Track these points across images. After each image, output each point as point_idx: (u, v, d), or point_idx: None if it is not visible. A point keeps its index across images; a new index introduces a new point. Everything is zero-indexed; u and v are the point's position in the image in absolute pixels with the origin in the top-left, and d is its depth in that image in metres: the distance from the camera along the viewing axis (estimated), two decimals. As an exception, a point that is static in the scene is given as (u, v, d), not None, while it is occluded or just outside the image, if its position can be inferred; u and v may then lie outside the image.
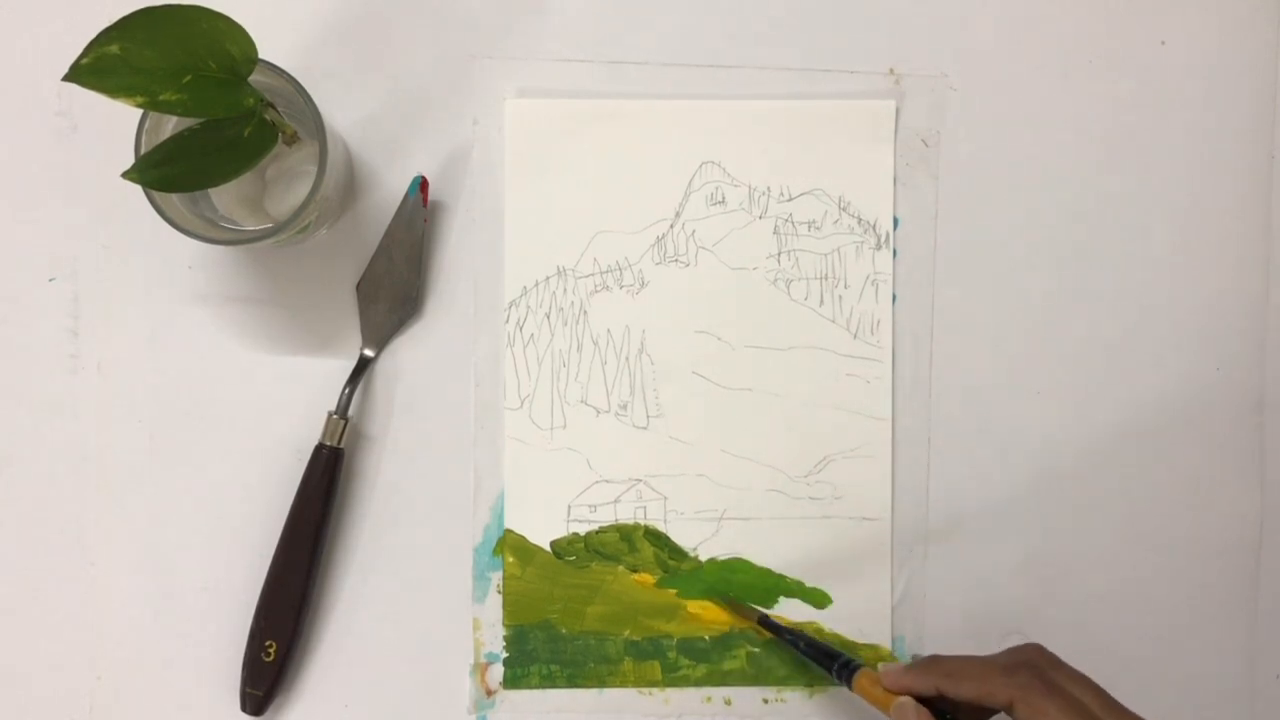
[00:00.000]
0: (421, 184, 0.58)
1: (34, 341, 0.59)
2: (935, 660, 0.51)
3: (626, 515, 0.59)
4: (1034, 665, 0.48)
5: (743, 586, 0.59)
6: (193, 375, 0.59)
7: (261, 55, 0.49)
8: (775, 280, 0.59)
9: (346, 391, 0.58)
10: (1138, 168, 0.60)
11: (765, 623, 0.58)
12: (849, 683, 0.53)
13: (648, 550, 0.59)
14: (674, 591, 0.59)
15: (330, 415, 0.57)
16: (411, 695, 0.59)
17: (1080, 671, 0.49)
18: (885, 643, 0.59)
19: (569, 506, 0.59)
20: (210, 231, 0.53)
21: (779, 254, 0.59)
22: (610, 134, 0.59)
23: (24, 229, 0.59)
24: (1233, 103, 0.60)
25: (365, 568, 0.59)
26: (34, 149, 0.59)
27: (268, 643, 0.57)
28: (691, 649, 0.59)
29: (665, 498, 0.59)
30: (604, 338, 0.59)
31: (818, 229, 0.59)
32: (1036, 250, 0.60)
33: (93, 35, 0.47)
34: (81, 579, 0.59)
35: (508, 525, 0.59)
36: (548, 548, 0.59)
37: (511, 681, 0.59)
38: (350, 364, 0.58)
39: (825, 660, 0.55)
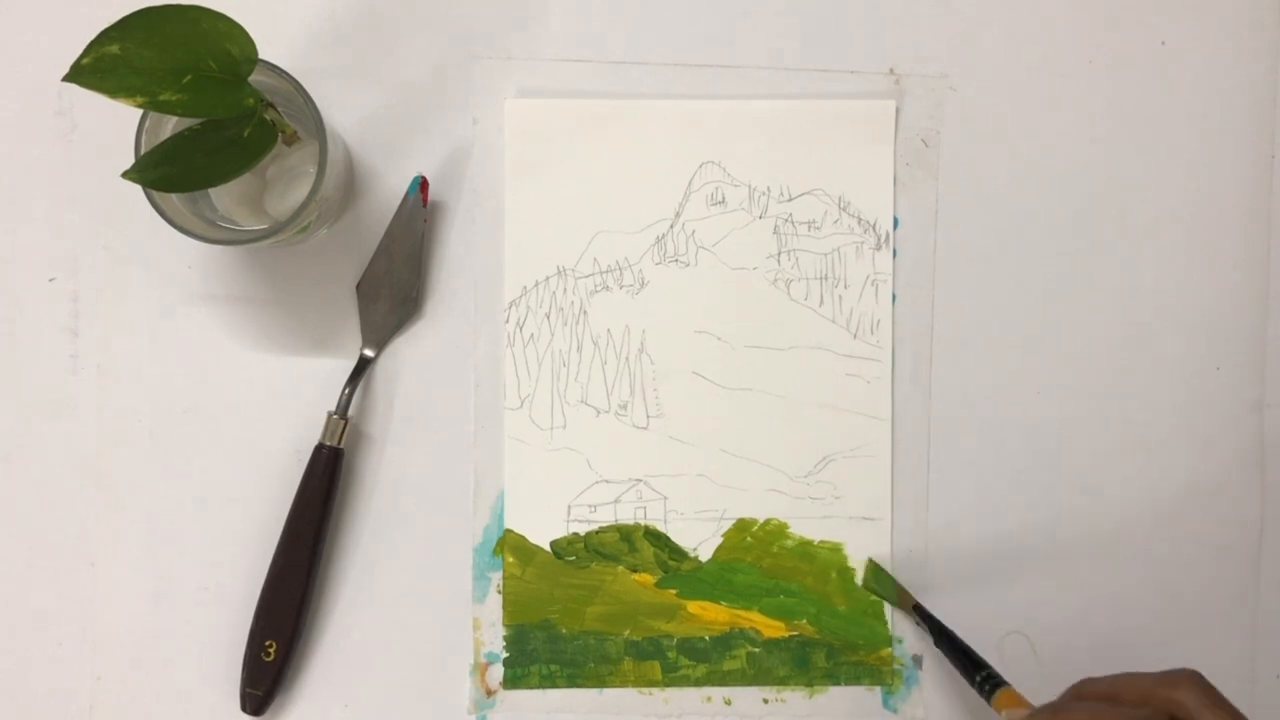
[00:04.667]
0: (421, 184, 0.58)
1: (34, 341, 0.59)
2: (1061, 709, 0.46)
3: (626, 515, 0.59)
4: (1195, 683, 0.44)
5: (743, 586, 0.59)
6: (193, 375, 0.59)
7: (261, 55, 0.49)
8: (775, 280, 0.59)
9: (346, 391, 0.58)
10: (1138, 168, 0.60)
11: (919, 610, 0.57)
12: (989, 698, 0.53)
13: (648, 550, 0.59)
14: (674, 591, 0.59)
15: (330, 415, 0.57)
16: (411, 695, 0.59)
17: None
18: (885, 644, 0.59)
19: (569, 506, 0.59)
20: (210, 231, 0.53)
21: (779, 254, 0.59)
22: (610, 134, 0.59)
23: (24, 229, 0.59)
24: (1233, 103, 0.60)
25: (365, 568, 0.59)
26: (34, 149, 0.59)
27: (268, 643, 0.57)
28: (691, 649, 0.59)
29: (665, 498, 0.59)
30: (604, 338, 0.59)
31: (818, 229, 0.59)
32: (1036, 250, 0.60)
33: (93, 35, 0.47)
34: (81, 579, 0.59)
35: (508, 525, 0.59)
36: (548, 548, 0.59)
37: (511, 681, 0.59)
38: (350, 364, 0.58)
39: (970, 668, 0.54)
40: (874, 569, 0.59)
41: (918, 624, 0.58)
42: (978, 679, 0.54)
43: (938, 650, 0.57)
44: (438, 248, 0.59)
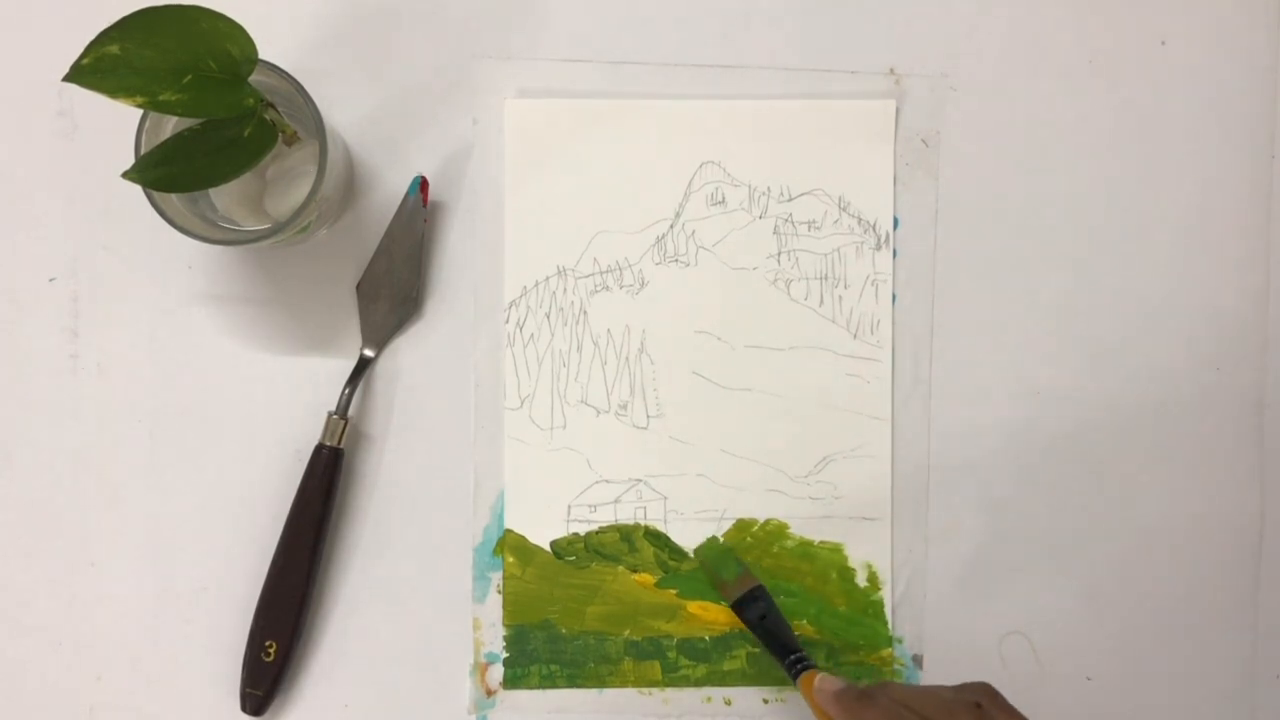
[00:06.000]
0: (421, 184, 0.58)
1: (34, 341, 0.59)
2: (868, 697, 0.49)
3: (626, 515, 0.59)
4: (977, 707, 0.46)
5: (743, 586, 0.59)
6: (193, 375, 0.59)
7: (261, 55, 0.49)
8: (775, 280, 0.59)
9: (346, 391, 0.58)
10: (1138, 168, 0.60)
11: (739, 606, 0.57)
12: (794, 678, 0.55)
13: (648, 550, 0.59)
14: (674, 591, 0.59)
15: (330, 415, 0.57)
16: (411, 695, 0.59)
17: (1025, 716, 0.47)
18: (885, 644, 0.59)
19: (569, 506, 0.59)
20: (210, 231, 0.53)
21: (779, 254, 0.59)
22: (610, 134, 0.59)
23: (24, 229, 0.59)
24: (1233, 103, 0.60)
25: (365, 568, 0.59)
26: (34, 149, 0.59)
27: (268, 643, 0.57)
28: (691, 649, 0.59)
29: (665, 498, 0.59)
30: (604, 338, 0.59)
31: (818, 229, 0.59)
32: (1036, 250, 0.60)
33: (93, 35, 0.47)
34: (81, 579, 0.59)
35: (508, 525, 0.59)
36: (548, 548, 0.59)
37: (511, 681, 0.59)
38: (350, 364, 0.58)
39: (781, 652, 0.56)
40: (716, 548, 0.59)
41: (736, 604, 0.58)
42: (788, 660, 0.55)
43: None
44: (438, 248, 0.59)
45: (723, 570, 0.58)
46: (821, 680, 0.52)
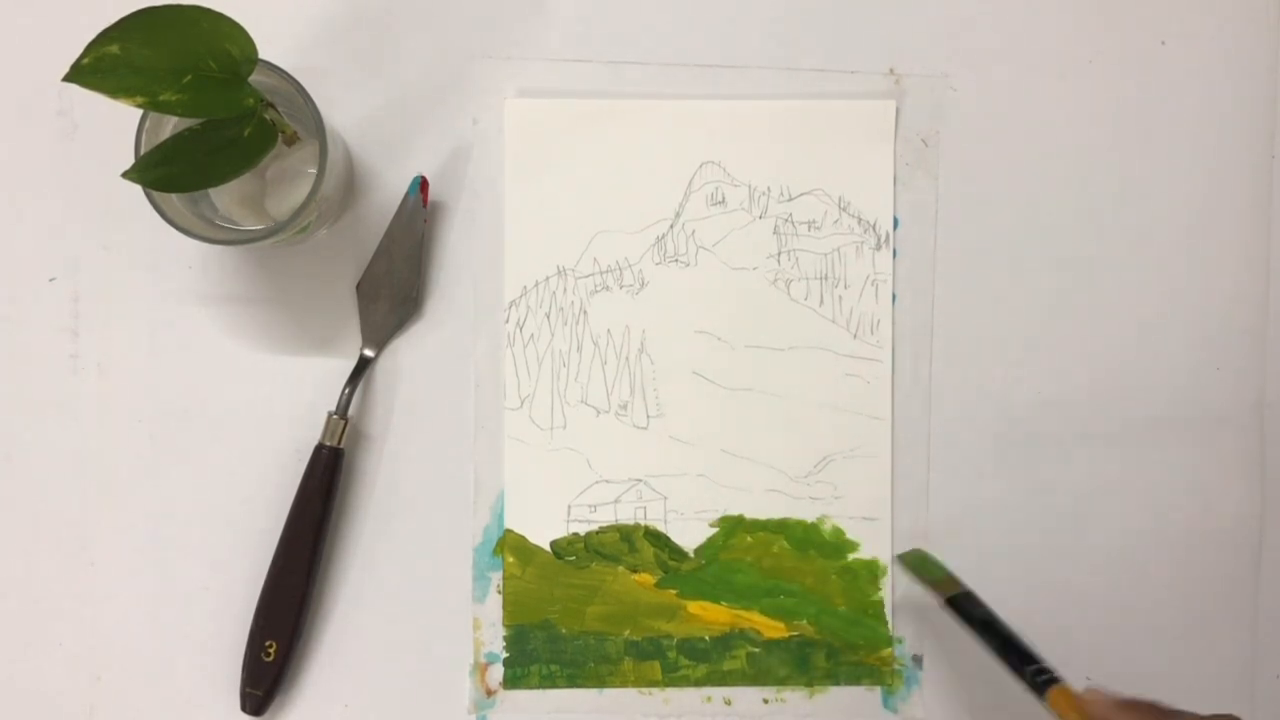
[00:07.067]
0: (421, 184, 0.58)
1: (34, 341, 0.59)
2: (1152, 710, 0.46)
3: (626, 515, 0.59)
4: None
5: (743, 587, 0.59)
6: (193, 375, 0.59)
7: (261, 55, 0.49)
8: (775, 280, 0.59)
9: (346, 391, 0.58)
10: (1138, 168, 0.60)
11: (955, 602, 0.53)
12: (1041, 694, 0.49)
13: (648, 550, 0.59)
14: (674, 591, 0.59)
15: (330, 415, 0.57)
16: (411, 695, 0.59)
17: None
18: (885, 644, 0.59)
19: (569, 506, 0.59)
20: (210, 231, 0.53)
21: (779, 254, 0.59)
22: (610, 134, 0.59)
23: (24, 229, 0.59)
24: (1233, 103, 0.60)
25: (365, 568, 0.59)
26: (34, 149, 0.59)
27: (268, 643, 0.57)
28: (691, 649, 0.59)
29: (665, 498, 0.59)
30: (604, 338, 0.59)
31: (818, 229, 0.59)
32: (1036, 250, 0.60)
33: (93, 35, 0.47)
34: (81, 579, 0.59)
35: (508, 525, 0.59)
36: (548, 548, 0.59)
37: (511, 681, 0.59)
38: (350, 364, 0.58)
39: (1017, 663, 0.50)
40: (917, 554, 0.57)
41: (954, 615, 0.54)
42: (1027, 674, 0.50)
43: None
44: (438, 248, 0.59)
45: (927, 571, 0.56)
46: (1090, 693, 0.48)
